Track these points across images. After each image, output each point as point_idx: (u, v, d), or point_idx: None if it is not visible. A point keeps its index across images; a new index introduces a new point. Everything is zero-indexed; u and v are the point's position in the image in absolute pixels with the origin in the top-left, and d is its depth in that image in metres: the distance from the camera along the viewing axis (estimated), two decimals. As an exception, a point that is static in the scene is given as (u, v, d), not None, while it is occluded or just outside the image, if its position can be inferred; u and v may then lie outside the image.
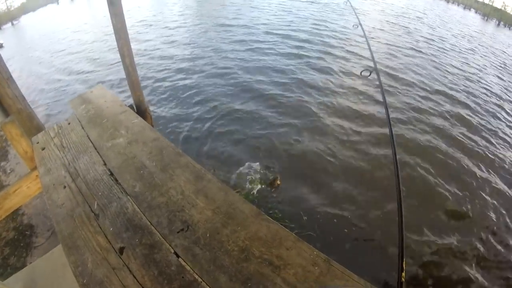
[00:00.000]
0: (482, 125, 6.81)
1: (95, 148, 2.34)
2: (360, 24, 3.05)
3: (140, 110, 2.94)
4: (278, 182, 4.33)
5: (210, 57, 9.14)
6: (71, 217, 1.87)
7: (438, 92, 8.04)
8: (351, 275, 1.45)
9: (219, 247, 1.58)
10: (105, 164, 2.20)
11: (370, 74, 2.04)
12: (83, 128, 2.57)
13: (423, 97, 7.60)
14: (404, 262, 1.05)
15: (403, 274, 1.02)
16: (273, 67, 8.27)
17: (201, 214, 1.76)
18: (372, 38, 12.12)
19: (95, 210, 1.89)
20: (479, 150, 5.83)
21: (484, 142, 6.15)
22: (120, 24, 2.47)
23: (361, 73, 2.10)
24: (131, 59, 2.69)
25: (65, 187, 2.08)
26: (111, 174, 2.11)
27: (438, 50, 12.08)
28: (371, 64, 2.21)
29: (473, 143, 6.00)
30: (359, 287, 1.38)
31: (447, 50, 12.43)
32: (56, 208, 1.95)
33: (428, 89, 8.10)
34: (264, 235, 1.62)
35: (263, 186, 4.25)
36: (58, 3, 25.69)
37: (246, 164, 4.60)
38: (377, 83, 2.22)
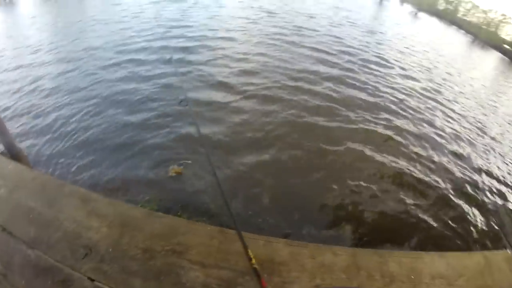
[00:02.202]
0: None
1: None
2: None
3: (13, 153, 2.67)
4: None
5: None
6: None
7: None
8: (247, 234, 1.72)
9: (123, 256, 1.73)
10: (-7, 222, 2.09)
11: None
12: None
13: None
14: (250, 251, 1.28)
15: (253, 261, 1.26)
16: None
17: (98, 233, 1.84)
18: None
19: (1, 271, 1.88)
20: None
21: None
22: None
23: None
24: None
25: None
26: (4, 229, 2.04)
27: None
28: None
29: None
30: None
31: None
32: None
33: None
34: (160, 230, 1.78)
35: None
36: None
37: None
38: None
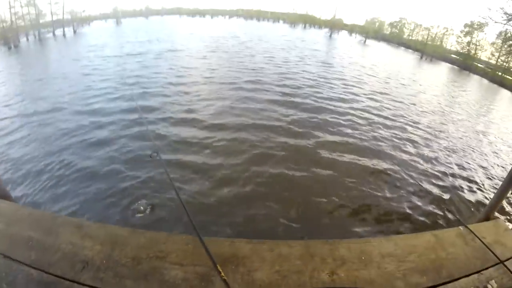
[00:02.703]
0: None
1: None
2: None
3: (1, 194, 2.95)
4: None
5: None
6: None
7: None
8: (214, 239, 2.14)
9: (115, 265, 2.11)
10: (-5, 251, 2.38)
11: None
12: None
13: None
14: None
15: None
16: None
17: (92, 250, 2.23)
18: None
19: (5, 289, 2.17)
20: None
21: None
22: None
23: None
24: None
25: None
26: (6, 256, 2.33)
27: None
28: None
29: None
30: None
31: None
32: None
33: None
34: (144, 243, 2.21)
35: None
36: None
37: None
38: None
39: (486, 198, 6.21)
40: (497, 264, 2.17)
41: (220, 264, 2.03)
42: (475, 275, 2.04)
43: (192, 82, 13.26)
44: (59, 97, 10.58)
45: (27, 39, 33.20)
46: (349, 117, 10.07)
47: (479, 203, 5.98)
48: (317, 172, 6.11)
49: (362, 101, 12.43)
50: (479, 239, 2.29)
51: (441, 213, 5.25)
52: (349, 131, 8.76)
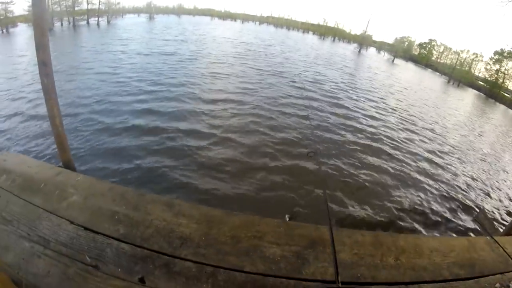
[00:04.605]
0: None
1: (50, 212, 2.37)
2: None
3: (71, 169, 2.89)
4: None
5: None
6: (68, 280, 2.01)
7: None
8: (303, 225, 2.49)
9: (215, 242, 2.26)
10: (72, 223, 2.33)
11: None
12: (19, 197, 2.46)
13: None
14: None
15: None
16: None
17: (189, 227, 2.34)
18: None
19: (91, 262, 2.13)
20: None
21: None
22: (51, 85, 2.40)
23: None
24: (61, 119, 2.61)
25: (39, 256, 2.14)
26: (86, 228, 2.30)
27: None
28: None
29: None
30: None
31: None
32: (44, 279, 2.02)
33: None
34: (239, 223, 2.41)
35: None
36: None
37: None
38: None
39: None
40: None
41: (310, 245, 2.37)
42: (499, 275, 2.63)
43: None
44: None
45: (62, 24, 34.80)
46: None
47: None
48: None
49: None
50: (502, 248, 3.00)
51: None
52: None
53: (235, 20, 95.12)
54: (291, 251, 2.29)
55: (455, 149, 13.77)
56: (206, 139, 8.36)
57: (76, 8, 39.91)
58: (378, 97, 20.64)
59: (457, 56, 54.59)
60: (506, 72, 45.76)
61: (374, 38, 69.06)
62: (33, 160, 2.94)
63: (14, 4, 30.86)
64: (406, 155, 10.66)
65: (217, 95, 13.03)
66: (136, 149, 7.34)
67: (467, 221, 7.29)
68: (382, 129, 12.99)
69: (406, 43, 67.20)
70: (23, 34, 27.71)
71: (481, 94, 45.32)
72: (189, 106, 10.99)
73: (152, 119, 9.35)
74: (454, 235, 6.27)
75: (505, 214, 8.63)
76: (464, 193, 9.29)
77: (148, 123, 9.08)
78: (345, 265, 2.28)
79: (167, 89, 12.74)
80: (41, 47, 2.45)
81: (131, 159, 6.89)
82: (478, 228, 6.81)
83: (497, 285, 2.55)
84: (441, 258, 2.59)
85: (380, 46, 67.46)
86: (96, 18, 42.22)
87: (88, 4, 42.01)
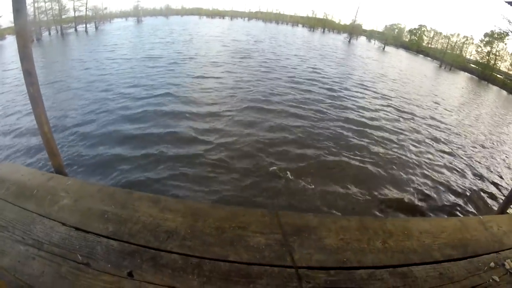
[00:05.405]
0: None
1: (43, 216, 2.46)
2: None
3: (61, 173, 3.00)
4: None
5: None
6: (61, 278, 2.09)
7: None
8: (285, 212, 2.51)
9: (201, 234, 2.32)
10: (64, 224, 2.42)
11: None
12: (14, 204, 2.57)
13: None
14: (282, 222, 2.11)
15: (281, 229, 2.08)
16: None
17: (175, 222, 2.41)
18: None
19: (82, 260, 2.21)
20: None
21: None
22: (37, 93, 2.51)
23: None
24: (49, 126, 2.72)
25: (34, 258, 2.23)
26: (77, 229, 2.38)
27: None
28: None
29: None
30: None
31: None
32: (39, 279, 2.12)
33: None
34: (224, 215, 2.48)
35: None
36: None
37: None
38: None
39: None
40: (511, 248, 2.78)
41: (295, 233, 2.40)
42: (494, 254, 2.61)
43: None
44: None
45: (49, 34, 34.18)
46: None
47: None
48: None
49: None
50: (497, 227, 2.93)
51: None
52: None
53: (223, 18, 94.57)
54: (276, 239, 2.33)
55: (451, 130, 14.54)
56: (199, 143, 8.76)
57: (63, 16, 39.49)
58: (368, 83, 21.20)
59: (447, 40, 54.15)
60: (497, 53, 45.48)
61: (364, 27, 68.07)
62: (26, 168, 3.06)
63: (1, 17, 30.78)
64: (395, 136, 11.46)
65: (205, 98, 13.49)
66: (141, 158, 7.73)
67: (460, 202, 7.39)
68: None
69: (396, 30, 66.92)
70: (12, 46, 28.20)
71: (474, 77, 43.94)
72: (168, 108, 11.56)
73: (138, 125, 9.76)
74: (446, 216, 6.14)
75: (498, 194, 8.68)
76: (458, 174, 9.52)
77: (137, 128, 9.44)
78: (331, 250, 2.30)
79: (147, 92, 13.08)
80: (25, 57, 2.56)
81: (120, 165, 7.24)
82: (471, 208, 6.70)
83: (492, 264, 2.50)
84: (432, 240, 2.57)
85: (371, 35, 66.72)
86: (84, 25, 41.90)
87: (75, 12, 41.70)
